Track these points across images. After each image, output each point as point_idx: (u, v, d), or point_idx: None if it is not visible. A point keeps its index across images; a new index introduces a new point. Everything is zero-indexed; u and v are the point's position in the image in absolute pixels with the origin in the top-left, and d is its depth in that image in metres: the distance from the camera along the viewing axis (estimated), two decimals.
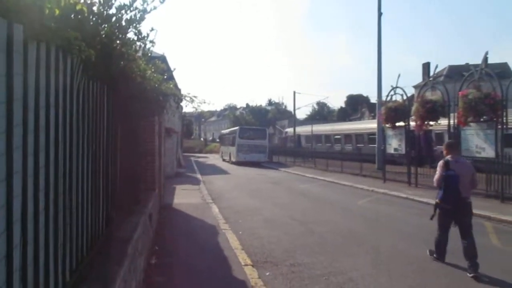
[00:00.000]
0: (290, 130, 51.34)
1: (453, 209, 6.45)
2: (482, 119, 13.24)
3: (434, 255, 6.87)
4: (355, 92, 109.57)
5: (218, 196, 14.40)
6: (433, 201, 8.65)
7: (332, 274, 6.02)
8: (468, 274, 6.06)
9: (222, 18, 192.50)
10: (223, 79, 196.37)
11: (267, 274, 6.02)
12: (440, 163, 6.69)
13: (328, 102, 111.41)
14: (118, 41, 3.74)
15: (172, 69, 9.17)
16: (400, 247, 7.66)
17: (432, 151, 23.36)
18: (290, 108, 69.27)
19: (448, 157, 6.65)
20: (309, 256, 6.93)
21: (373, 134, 28.77)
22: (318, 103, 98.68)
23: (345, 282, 5.70)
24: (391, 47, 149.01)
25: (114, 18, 3.62)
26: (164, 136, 12.91)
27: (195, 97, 8.14)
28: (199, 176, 22.22)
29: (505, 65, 53.17)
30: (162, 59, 9.01)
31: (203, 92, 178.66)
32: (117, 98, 4.42)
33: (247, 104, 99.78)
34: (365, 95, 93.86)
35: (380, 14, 25.21)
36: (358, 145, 34.26)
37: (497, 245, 8.02)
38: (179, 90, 10.65)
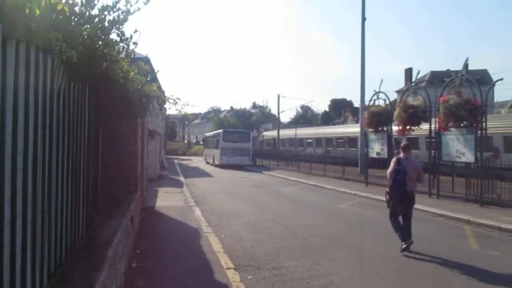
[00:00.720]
0: (266, 133, 51.77)
1: (400, 199, 7.68)
2: (462, 124, 13.48)
3: (402, 246, 7.50)
4: (339, 96, 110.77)
5: (201, 199, 14.34)
6: (415, 205, 9.72)
7: (314, 277, 6.04)
8: (402, 251, 7.40)
9: (208, 21, 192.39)
10: (207, 81, 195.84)
11: (249, 277, 6.01)
12: (394, 159, 8.09)
13: (312, 106, 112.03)
14: (100, 42, 3.70)
15: (155, 70, 9.12)
16: (382, 250, 7.73)
17: (393, 154, 23.82)
18: (274, 111, 69.57)
19: (401, 155, 8.00)
20: (291, 260, 6.94)
21: (354, 138, 29.90)
22: (302, 107, 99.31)
23: (327, 285, 5.72)
24: (376, 53, 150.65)
25: (96, 19, 3.57)
26: (147, 138, 12.80)
27: (178, 99, 8.10)
28: (182, 178, 22.08)
29: (485, 71, 54.35)
30: (146, 60, 8.91)
31: (187, 95, 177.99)
32: (99, 100, 4.37)
33: (232, 107, 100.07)
34: (348, 99, 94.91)
35: (364, 19, 25.47)
36: (339, 148, 34.54)
37: (476, 249, 8.16)
38: (163, 92, 10.59)
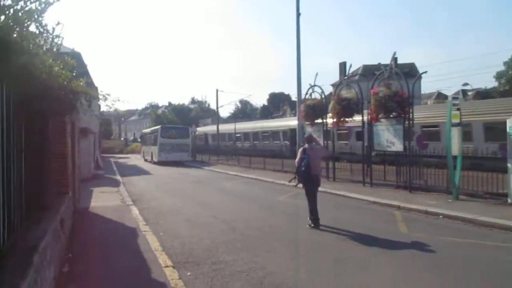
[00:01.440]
0: (199, 129, 52.03)
1: (307, 182, 9.13)
2: (391, 115, 14.18)
3: (311, 224, 8.93)
4: (277, 90, 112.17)
5: (139, 198, 13.97)
6: (349, 194, 12.41)
7: (253, 269, 6.09)
8: (308, 226, 8.87)
9: (144, 15, 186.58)
10: (145, 77, 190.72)
11: (188, 274, 5.94)
12: (300, 149, 9.45)
13: (251, 100, 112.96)
14: (15, 35, 3.45)
15: (86, 65, 8.71)
16: (318, 239, 7.97)
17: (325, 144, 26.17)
18: (213, 106, 69.12)
19: (306, 145, 9.36)
20: (230, 254, 6.95)
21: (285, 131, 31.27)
22: (241, 101, 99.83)
23: (265, 276, 5.79)
24: (314, 48, 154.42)
25: (11, 10, 3.33)
26: (78, 136, 12.22)
27: (108, 94, 7.76)
28: (118, 177, 21.39)
29: (412, 65, 57.52)
30: (75, 55, 8.48)
31: (123, 91, 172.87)
32: (19, 97, 4.08)
33: (170, 103, 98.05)
34: (287, 93, 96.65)
35: (298, 14, 25.79)
36: (275, 142, 35.49)
37: (404, 231, 8.63)
38: (96, 88, 10.11)
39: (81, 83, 7.04)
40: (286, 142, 34.42)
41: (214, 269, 6.14)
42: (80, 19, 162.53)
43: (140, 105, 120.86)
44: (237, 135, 42.20)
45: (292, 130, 31.38)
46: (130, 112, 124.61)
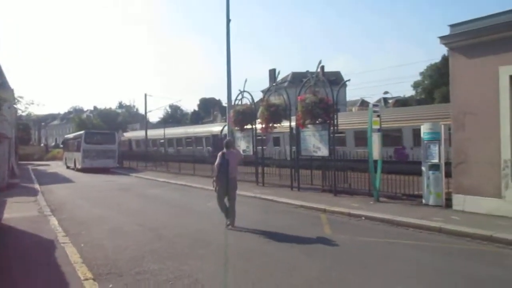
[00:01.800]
0: (126, 134, 50.76)
1: (224, 185, 9.54)
2: (317, 122, 14.64)
3: (227, 223, 9.57)
4: (208, 95, 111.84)
5: (59, 207, 13.15)
6: (277, 198, 12.80)
7: (178, 278, 5.94)
8: (227, 227, 9.42)
9: (68, 17, 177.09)
10: (68, 80, 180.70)
11: (110, 286, 5.66)
12: (219, 154, 9.84)
13: (182, 105, 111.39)
14: None
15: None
16: (246, 245, 7.97)
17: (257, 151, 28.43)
18: (142, 111, 67.25)
19: (224, 150, 9.82)
20: (156, 263, 6.74)
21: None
22: (171, 106, 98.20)
23: (191, 284, 5.68)
24: (246, 54, 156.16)
25: None
26: None
27: (20, 97, 7.22)
28: (37, 186, 19.99)
29: (338, 73, 60.23)
30: None
31: (45, 93, 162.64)
32: None
33: (95, 107, 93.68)
34: (217, 98, 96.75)
35: (228, 20, 25.91)
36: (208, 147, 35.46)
37: (328, 233, 8.92)
38: (11, 90, 9.38)
39: None
40: (208, 147, 34.97)
41: (138, 279, 5.91)
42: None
43: (62, 109, 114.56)
44: (161, 141, 41.68)
45: (214, 136, 32.51)
46: (52, 116, 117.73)
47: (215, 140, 31.96)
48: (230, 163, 9.61)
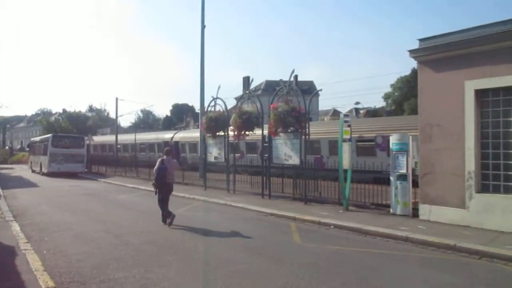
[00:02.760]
0: (95, 138, 49.94)
1: (161, 188, 10.76)
2: (289, 130, 14.72)
3: (165, 221, 10.62)
4: (181, 101, 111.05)
5: (22, 212, 12.70)
6: (248, 206, 13.09)
7: (144, 286, 5.82)
8: (168, 225, 10.31)
9: (35, 18, 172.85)
10: (36, 81, 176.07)
11: None
12: (159, 160, 10.99)
13: (154, 110, 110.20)
14: None
15: None
16: (214, 252, 7.90)
17: (179, 157, 33.18)
18: (113, 115, 66.08)
19: (164, 157, 10.97)
20: (121, 270, 6.58)
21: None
22: (143, 111, 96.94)
23: None
24: (220, 60, 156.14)
25: None
26: None
27: None
28: None
29: (311, 83, 60.98)
30: None
31: (11, 94, 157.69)
32: None
33: (64, 110, 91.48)
34: (190, 104, 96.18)
35: (203, 26, 26.04)
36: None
37: (298, 242, 8.96)
38: None
39: None
40: (160, 153, 34.97)
41: None
42: None
43: (29, 111, 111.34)
44: (118, 146, 42.22)
45: (166, 143, 34.51)
46: (18, 119, 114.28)
47: (166, 147, 32.68)
48: (168, 169, 10.82)
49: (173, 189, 11.20)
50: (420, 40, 11.12)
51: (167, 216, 10.59)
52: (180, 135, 37.96)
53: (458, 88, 10.09)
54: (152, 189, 11.43)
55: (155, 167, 10.89)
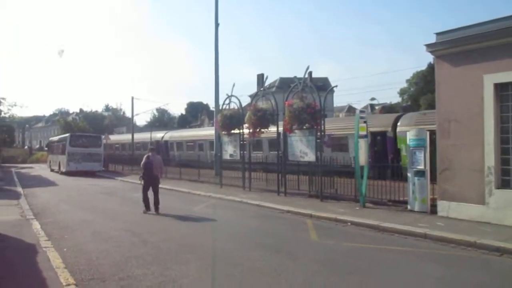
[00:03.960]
0: (112, 137, 50.49)
1: (149, 181, 12.47)
2: (304, 127, 14.65)
3: (144, 210, 12.28)
4: (196, 99, 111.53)
5: (42, 211, 12.93)
6: (264, 203, 13.17)
7: (163, 283, 5.86)
8: (155, 213, 11.99)
9: (54, 18, 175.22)
10: (54, 82, 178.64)
11: None
12: (145, 156, 12.84)
13: (169, 109, 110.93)
14: None
15: None
16: (232, 249, 7.93)
17: (168, 154, 37.82)
18: (129, 114, 66.73)
19: (149, 154, 12.77)
20: (140, 268, 6.64)
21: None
22: (159, 110, 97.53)
23: None
24: (234, 58, 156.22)
25: None
26: None
27: (3, 99, 7.08)
28: (20, 189, 19.66)
29: (326, 79, 60.55)
30: None
31: (30, 95, 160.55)
32: None
33: (81, 109, 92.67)
34: (205, 102, 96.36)
35: (217, 24, 26.11)
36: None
37: (314, 239, 8.94)
38: None
39: None
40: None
41: (122, 285, 5.81)
42: None
43: (47, 111, 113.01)
44: (116, 145, 44.53)
45: (157, 142, 39.54)
46: (37, 119, 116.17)
47: (157, 145, 37.20)
48: (154, 164, 12.55)
49: (159, 181, 12.89)
50: (437, 34, 10.95)
51: (146, 206, 12.37)
52: (169, 135, 42.18)
53: (477, 82, 9.92)
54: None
55: (142, 163, 12.76)
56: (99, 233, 9.52)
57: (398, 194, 12.47)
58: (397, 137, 20.44)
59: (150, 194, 12.50)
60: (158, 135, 42.71)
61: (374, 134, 21.36)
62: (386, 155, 20.65)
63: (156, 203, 12.37)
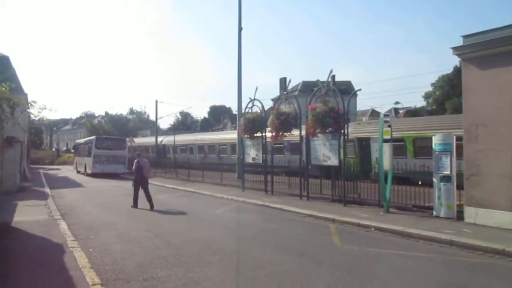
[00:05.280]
0: (136, 140, 51.58)
1: (140, 182, 14.25)
2: (328, 131, 14.56)
3: (132, 205, 14.05)
4: (218, 103, 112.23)
5: (69, 211, 13.22)
6: (286, 207, 13.26)
7: (186, 285, 5.91)
8: (150, 210, 13.36)
9: (81, 24, 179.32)
10: (80, 85, 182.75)
11: None
12: (135, 161, 14.72)
13: (192, 112, 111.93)
14: None
15: (13, 70, 8.14)
16: (255, 252, 7.93)
17: (166, 157, 42.23)
18: (153, 117, 67.62)
19: (138, 159, 14.65)
20: (163, 269, 6.71)
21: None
22: (182, 113, 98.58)
23: None
24: (256, 62, 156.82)
25: None
26: (1, 146, 11.38)
27: (34, 102, 7.27)
28: (47, 190, 20.14)
29: (349, 83, 60.05)
30: (2, 59, 7.88)
31: (58, 98, 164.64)
32: None
33: (106, 113, 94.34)
34: (228, 106, 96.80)
35: (240, 29, 26.23)
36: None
37: (337, 244, 8.85)
38: (25, 94, 9.46)
39: (3, 89, 6.52)
40: (153, 154, 44.17)
41: (146, 286, 5.89)
42: (13, 22, 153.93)
43: (74, 114, 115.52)
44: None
45: (158, 145, 44.64)
46: (64, 121, 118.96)
47: (158, 149, 44.14)
48: (143, 168, 14.41)
49: (148, 182, 14.71)
50: (464, 36, 10.75)
51: (135, 203, 14.13)
52: (166, 139, 46.83)
53: (505, 85, 9.69)
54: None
55: (133, 167, 14.64)
56: (124, 234, 9.67)
57: (423, 199, 12.25)
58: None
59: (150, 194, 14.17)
60: (158, 139, 46.24)
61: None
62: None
63: (149, 200, 13.90)
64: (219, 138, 38.47)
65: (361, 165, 22.04)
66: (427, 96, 64.47)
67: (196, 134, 49.00)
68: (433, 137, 11.71)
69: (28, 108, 7.05)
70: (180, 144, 43.00)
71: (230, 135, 35.13)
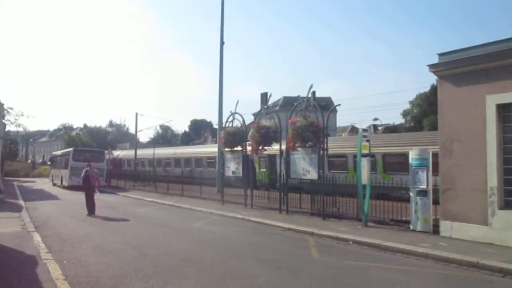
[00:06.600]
0: (115, 152, 50.98)
1: (87, 190, 15.68)
2: (307, 145, 14.69)
3: (87, 214, 15.19)
4: (199, 117, 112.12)
5: (43, 224, 12.93)
6: (265, 221, 13.11)
7: None
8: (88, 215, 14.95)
9: (59, 35, 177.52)
10: (58, 97, 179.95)
11: None
12: (84, 170, 16.35)
13: (172, 126, 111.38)
14: None
15: None
16: (232, 264, 7.88)
17: (121, 169, 44.08)
18: (132, 130, 67.03)
19: (87, 168, 16.15)
20: (140, 281, 6.61)
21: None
22: (162, 126, 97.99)
23: None
24: (238, 76, 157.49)
25: None
26: None
27: (10, 108, 7.13)
28: (21, 202, 19.69)
29: (329, 99, 60.99)
30: None
31: (35, 110, 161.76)
32: None
33: (85, 125, 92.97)
34: (208, 120, 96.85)
35: (222, 43, 26.39)
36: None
37: (316, 256, 8.87)
38: (0, 103, 9.28)
39: None
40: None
41: None
42: None
43: (52, 126, 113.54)
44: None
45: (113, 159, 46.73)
46: (40, 133, 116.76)
47: (115, 161, 46.46)
48: (90, 176, 15.92)
49: (95, 191, 16.01)
50: (440, 54, 11.07)
51: (91, 209, 15.45)
52: (123, 153, 50.72)
53: (479, 102, 9.98)
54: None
55: (81, 175, 16.35)
56: (99, 246, 9.50)
57: (400, 213, 12.41)
58: None
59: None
60: (116, 153, 50.24)
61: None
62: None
63: (90, 208, 15.47)
64: (196, 151, 38.31)
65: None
66: (405, 114, 65.75)
67: (175, 147, 48.50)
68: (410, 152, 11.94)
69: (4, 115, 6.87)
70: (157, 157, 42.29)
71: (209, 149, 35.33)
